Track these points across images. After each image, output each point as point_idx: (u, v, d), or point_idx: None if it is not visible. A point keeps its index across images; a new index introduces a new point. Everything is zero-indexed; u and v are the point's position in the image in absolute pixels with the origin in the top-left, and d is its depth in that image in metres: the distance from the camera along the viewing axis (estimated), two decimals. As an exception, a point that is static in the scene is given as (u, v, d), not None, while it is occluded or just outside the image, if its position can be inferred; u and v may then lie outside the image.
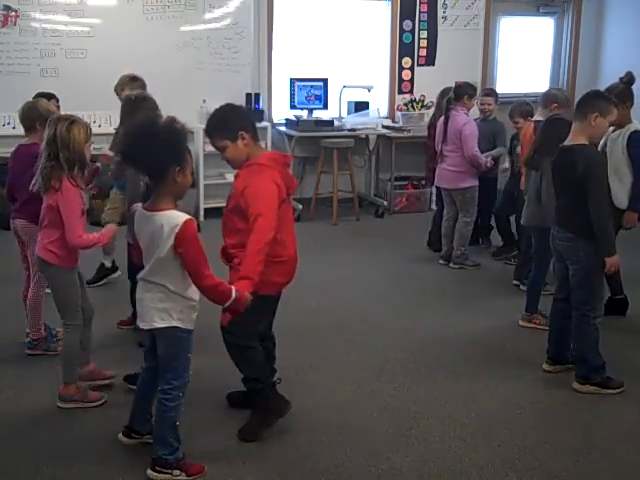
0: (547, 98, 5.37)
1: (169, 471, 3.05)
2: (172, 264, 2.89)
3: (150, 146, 2.82)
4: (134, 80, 4.96)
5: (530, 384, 3.97)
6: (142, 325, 3.04)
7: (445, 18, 8.48)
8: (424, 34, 8.46)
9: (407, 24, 8.38)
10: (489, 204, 6.62)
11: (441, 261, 6.16)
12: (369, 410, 3.70)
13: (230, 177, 7.62)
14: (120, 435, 3.27)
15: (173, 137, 2.89)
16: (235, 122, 3.29)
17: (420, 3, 8.37)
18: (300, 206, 7.63)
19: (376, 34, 8.39)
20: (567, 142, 3.82)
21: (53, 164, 3.47)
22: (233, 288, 2.97)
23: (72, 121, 3.55)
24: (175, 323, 2.96)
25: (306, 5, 8.05)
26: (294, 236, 3.46)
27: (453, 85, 6.15)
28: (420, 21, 8.42)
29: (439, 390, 3.92)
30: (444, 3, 8.45)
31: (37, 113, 4.13)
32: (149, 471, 3.08)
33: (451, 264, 6.03)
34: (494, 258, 6.28)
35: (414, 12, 8.38)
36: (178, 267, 2.90)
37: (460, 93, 5.93)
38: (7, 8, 6.90)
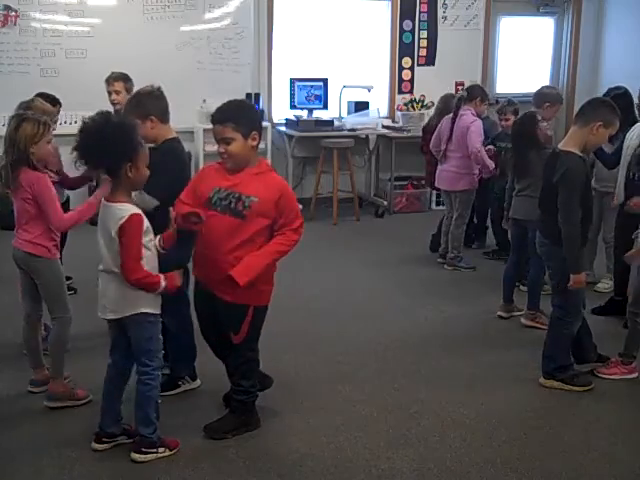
0: (539, 97, 5.40)
1: (154, 450, 3.15)
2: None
3: (99, 144, 2.90)
4: (129, 79, 5.06)
5: (530, 384, 3.96)
6: (110, 316, 3.09)
7: (445, 18, 8.47)
8: (424, 34, 8.46)
9: (407, 24, 8.38)
10: (485, 204, 6.62)
11: (440, 260, 6.18)
12: (369, 410, 3.70)
13: (230, 177, 7.63)
14: (93, 443, 3.25)
15: (122, 134, 2.95)
16: (254, 119, 3.25)
17: (420, 3, 8.37)
18: (300, 206, 7.58)
19: (376, 34, 8.39)
20: (559, 145, 3.79)
21: (10, 162, 3.47)
22: (161, 278, 3.05)
23: (23, 118, 3.52)
24: (144, 309, 3.05)
25: (306, 5, 8.05)
26: None
27: (453, 86, 6.14)
28: (420, 21, 8.42)
29: (439, 390, 3.92)
30: (444, 3, 8.45)
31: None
32: (135, 455, 3.14)
33: (445, 266, 6.03)
34: (485, 257, 6.31)
35: (414, 12, 8.38)
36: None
37: (474, 94, 5.91)
38: (7, 8, 6.90)
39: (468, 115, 5.85)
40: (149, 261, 3.06)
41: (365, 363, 4.24)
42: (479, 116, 6.32)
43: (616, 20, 8.83)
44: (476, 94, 5.92)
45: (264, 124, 7.57)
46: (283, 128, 7.91)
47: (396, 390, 3.92)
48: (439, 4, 8.44)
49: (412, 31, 8.42)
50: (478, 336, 4.65)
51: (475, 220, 6.67)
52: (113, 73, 5.17)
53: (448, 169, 5.95)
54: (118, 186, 3.02)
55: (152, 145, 3.71)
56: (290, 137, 7.74)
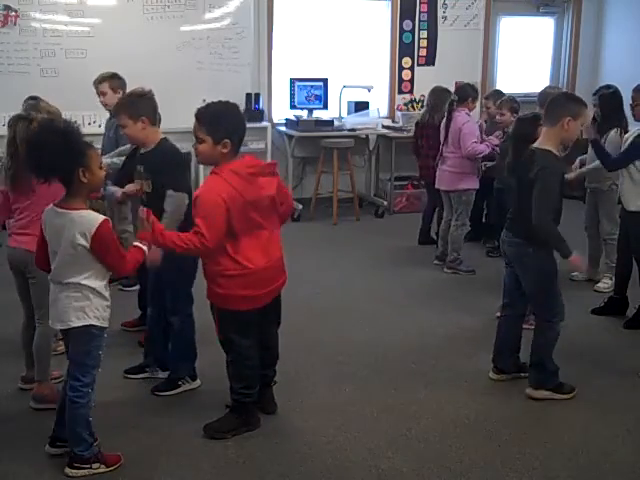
0: (544, 98, 5.38)
1: (88, 465, 3.07)
2: (87, 264, 2.93)
3: (46, 153, 2.83)
4: (114, 77, 5.10)
5: (503, 383, 3.95)
6: (58, 325, 3.04)
7: (445, 18, 8.48)
8: (424, 34, 8.46)
9: (407, 24, 8.38)
10: (488, 202, 6.63)
11: (436, 262, 6.14)
12: (369, 410, 3.70)
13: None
14: (47, 446, 3.21)
15: (67, 140, 2.87)
16: (230, 129, 3.21)
17: (420, 3, 8.37)
18: (300, 206, 7.63)
19: (376, 34, 8.39)
20: (535, 145, 3.76)
21: (16, 165, 3.40)
22: (140, 246, 3.06)
23: (31, 120, 3.47)
24: (91, 321, 2.98)
25: (306, 5, 8.05)
26: (264, 246, 3.28)
27: (452, 87, 6.13)
28: (420, 21, 8.42)
29: (439, 390, 3.92)
30: (444, 3, 8.45)
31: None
32: (67, 469, 3.07)
33: (445, 269, 5.99)
34: (488, 255, 6.32)
35: (414, 12, 8.38)
36: (93, 266, 2.94)
37: (464, 96, 5.89)
38: (7, 8, 6.90)
39: (462, 115, 5.85)
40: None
41: (365, 363, 4.24)
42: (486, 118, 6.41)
43: (616, 20, 8.83)
44: (467, 95, 5.91)
45: (264, 124, 7.67)
46: (283, 128, 7.91)
47: (396, 390, 3.92)
48: (439, 4, 8.44)
49: (412, 31, 8.42)
50: (478, 337, 4.65)
51: (485, 219, 6.72)
52: (99, 75, 5.20)
53: (446, 169, 5.94)
54: (74, 192, 2.93)
55: (142, 150, 3.75)
56: (290, 137, 7.74)
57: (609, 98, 5.14)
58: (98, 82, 5.18)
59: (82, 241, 2.88)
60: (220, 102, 3.28)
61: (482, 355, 4.36)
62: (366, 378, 4.05)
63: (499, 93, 6.61)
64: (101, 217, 2.92)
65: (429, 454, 3.31)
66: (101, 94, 5.16)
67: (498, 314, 4.81)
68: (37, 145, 2.89)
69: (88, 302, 2.97)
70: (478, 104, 6.39)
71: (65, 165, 2.87)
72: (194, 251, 3.16)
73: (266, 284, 3.31)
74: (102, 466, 3.09)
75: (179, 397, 3.76)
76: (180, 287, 3.75)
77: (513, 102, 5.94)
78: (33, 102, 4.29)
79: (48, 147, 2.84)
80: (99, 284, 2.98)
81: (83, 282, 2.94)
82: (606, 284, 5.43)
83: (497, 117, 6.04)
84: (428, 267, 6.10)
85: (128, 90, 4.80)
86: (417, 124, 6.70)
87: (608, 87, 5.31)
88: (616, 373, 4.15)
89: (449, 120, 5.89)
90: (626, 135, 4.86)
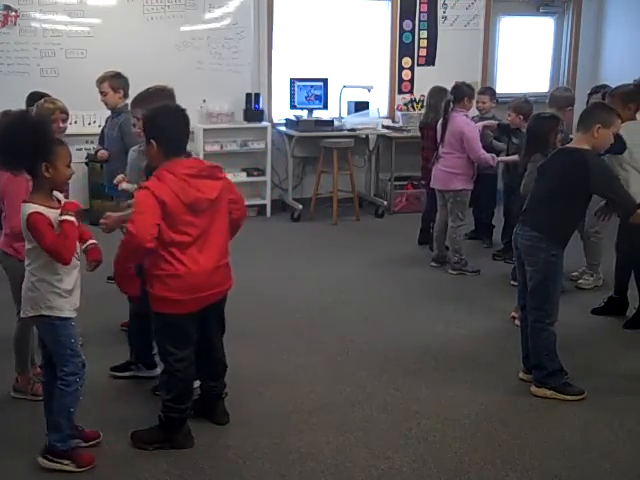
0: (559, 101, 5.41)
1: (59, 460, 3.09)
2: (32, 253, 3.00)
3: (12, 144, 2.89)
4: (116, 76, 5.08)
5: (530, 384, 3.95)
6: (21, 314, 3.13)
7: (445, 18, 8.47)
8: (424, 34, 8.45)
9: (407, 24, 8.37)
10: (489, 203, 6.64)
11: (433, 264, 6.12)
12: (369, 410, 3.70)
13: (231, 177, 7.58)
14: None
15: (34, 133, 2.93)
16: (155, 129, 3.19)
17: (420, 3, 8.36)
18: (300, 206, 7.63)
19: (376, 34, 8.38)
20: (570, 145, 3.82)
21: None
22: (66, 218, 2.99)
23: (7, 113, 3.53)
24: (44, 312, 3.02)
25: (306, 5, 8.05)
26: (198, 250, 3.18)
27: (452, 86, 6.11)
28: (420, 21, 8.41)
29: (439, 390, 3.92)
30: (444, 3, 8.44)
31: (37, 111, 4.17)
32: (39, 458, 3.11)
33: (450, 270, 5.96)
34: (494, 258, 6.29)
35: (414, 12, 8.37)
36: (38, 256, 2.98)
37: (460, 95, 5.88)
38: (7, 8, 6.89)
39: (460, 117, 5.84)
40: None
41: (365, 363, 4.24)
42: (479, 114, 6.46)
43: (616, 20, 8.83)
44: (463, 94, 5.89)
45: (264, 124, 7.67)
46: (283, 128, 7.90)
47: (396, 390, 3.92)
48: (439, 4, 8.43)
49: (412, 31, 8.41)
50: (479, 336, 4.65)
51: (480, 218, 6.74)
52: (101, 75, 5.19)
53: (442, 169, 5.94)
54: (37, 186, 3.00)
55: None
56: (290, 137, 7.74)
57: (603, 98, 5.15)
58: (99, 82, 5.17)
59: (23, 229, 2.98)
60: (158, 105, 3.30)
61: (482, 355, 4.37)
62: (366, 378, 4.05)
63: (492, 89, 6.78)
64: (34, 209, 2.93)
65: (429, 454, 3.31)
66: (102, 93, 5.16)
67: (513, 314, 4.78)
68: (6, 135, 2.94)
69: (38, 293, 3.01)
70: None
71: (30, 157, 2.93)
72: (128, 248, 3.10)
73: (194, 290, 3.18)
74: (72, 465, 3.11)
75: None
76: None
77: (522, 104, 5.90)
78: (40, 101, 4.34)
79: (16, 138, 2.90)
80: (49, 274, 3.00)
81: (35, 272, 3.01)
82: (587, 281, 5.52)
83: (478, 105, 6.17)
84: (428, 267, 6.09)
85: (130, 89, 4.83)
86: (420, 127, 6.71)
87: (604, 87, 5.33)
88: (616, 373, 4.15)
89: (446, 120, 5.88)
90: None
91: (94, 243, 3.23)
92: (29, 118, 3.13)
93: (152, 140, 3.16)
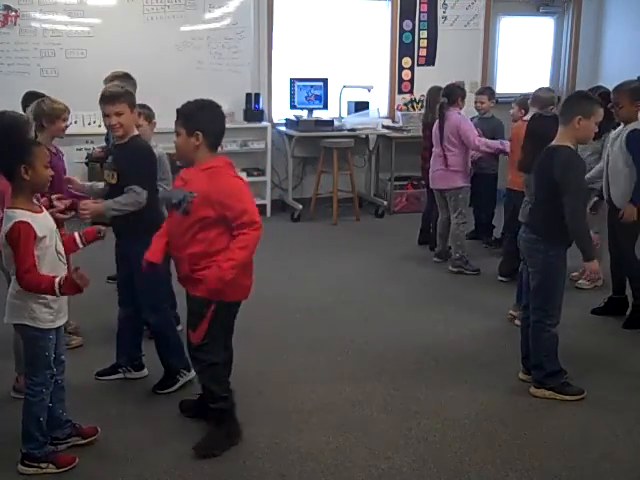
0: (543, 101, 5.40)
1: (37, 464, 3.09)
2: (13, 261, 2.92)
3: None
4: (127, 77, 5.05)
5: (530, 384, 3.95)
6: (5, 319, 3.06)
7: (445, 18, 8.47)
8: (424, 34, 8.45)
9: (407, 24, 8.37)
10: (489, 203, 6.65)
11: (435, 259, 6.21)
12: (369, 410, 3.70)
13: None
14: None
15: (9, 135, 2.90)
16: (202, 121, 3.19)
17: (420, 3, 8.36)
18: (300, 206, 7.63)
19: (376, 34, 8.38)
20: (553, 143, 3.78)
21: None
22: (55, 282, 2.88)
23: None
24: (25, 321, 2.98)
25: (306, 5, 8.05)
26: None
27: (444, 88, 6.16)
28: (420, 21, 8.41)
29: (439, 390, 3.92)
30: (444, 3, 8.44)
31: (40, 110, 4.14)
32: (19, 465, 3.11)
33: (450, 267, 6.01)
34: (485, 246, 6.46)
35: (414, 12, 8.37)
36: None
37: (454, 97, 5.97)
38: (7, 8, 6.89)
39: (455, 115, 5.94)
40: (49, 265, 2.96)
41: (365, 363, 4.24)
42: (478, 114, 6.58)
43: (616, 20, 8.82)
44: (456, 95, 5.99)
45: (264, 124, 7.67)
46: (283, 128, 7.91)
47: (396, 390, 3.92)
48: (439, 4, 8.43)
49: (412, 31, 8.41)
50: (478, 336, 4.65)
51: (480, 218, 6.76)
52: (110, 74, 5.17)
53: (440, 168, 6.00)
54: (17, 189, 2.93)
55: (117, 141, 3.77)
56: (290, 137, 7.74)
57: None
58: (109, 80, 5.13)
59: (4, 239, 2.91)
60: (202, 99, 3.28)
61: (482, 355, 4.37)
62: (366, 378, 4.05)
63: (491, 89, 6.82)
64: (20, 218, 2.86)
65: (429, 454, 3.31)
66: None
67: (511, 312, 4.78)
68: None
69: (21, 301, 2.97)
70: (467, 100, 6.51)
71: (6, 160, 2.89)
72: (257, 239, 3.21)
73: (251, 274, 3.33)
74: (51, 466, 3.11)
75: (179, 395, 3.75)
76: (157, 285, 3.74)
77: (524, 99, 5.95)
78: (38, 100, 4.30)
79: None
80: None
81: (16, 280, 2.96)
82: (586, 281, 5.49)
83: (477, 105, 6.27)
84: (428, 267, 6.10)
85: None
86: (424, 128, 6.74)
87: (598, 88, 5.33)
88: (616, 373, 4.15)
89: (442, 121, 5.96)
90: (611, 136, 4.79)
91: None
92: (4, 119, 3.09)
93: (198, 132, 3.15)
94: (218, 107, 3.28)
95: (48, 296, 2.95)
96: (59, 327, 3.11)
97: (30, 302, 2.96)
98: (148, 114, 4.34)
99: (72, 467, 3.14)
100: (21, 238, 2.85)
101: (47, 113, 4.04)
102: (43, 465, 3.10)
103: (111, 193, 3.70)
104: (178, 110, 3.24)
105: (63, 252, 3.08)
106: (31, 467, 3.10)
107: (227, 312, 3.27)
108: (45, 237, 2.94)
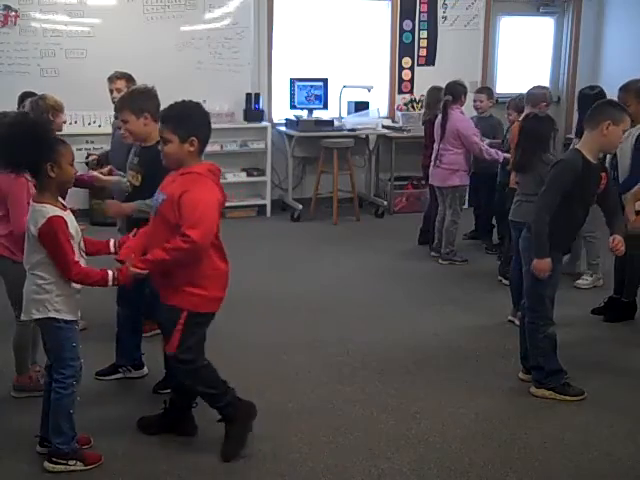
0: (535, 98, 5.44)
1: (64, 461, 3.10)
2: (41, 255, 2.97)
3: (14, 144, 2.89)
4: (131, 78, 5.11)
5: (529, 384, 3.95)
6: (24, 317, 3.10)
7: (445, 18, 8.47)
8: (424, 34, 8.45)
9: (407, 24, 8.37)
10: (489, 201, 6.64)
11: (433, 254, 6.33)
12: (369, 410, 3.70)
13: (231, 177, 7.64)
14: (37, 446, 3.24)
15: (36, 133, 2.93)
16: (195, 126, 3.12)
17: (420, 3, 8.36)
18: (300, 206, 7.63)
19: (376, 34, 8.38)
20: (576, 145, 3.79)
21: None
22: (108, 272, 2.99)
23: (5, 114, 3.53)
24: (51, 314, 3.01)
25: (306, 5, 8.05)
26: (223, 248, 3.24)
27: (446, 85, 6.20)
28: (420, 21, 8.41)
29: (439, 390, 3.92)
30: (444, 3, 8.44)
31: (46, 104, 4.22)
32: (46, 463, 3.12)
33: (440, 260, 6.17)
34: (486, 252, 6.44)
35: (414, 12, 8.37)
36: (48, 258, 2.96)
37: (457, 93, 6.06)
38: (7, 8, 6.89)
39: (456, 114, 6.03)
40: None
41: (365, 363, 4.24)
42: (476, 113, 6.63)
43: (616, 20, 8.82)
44: (459, 92, 6.08)
45: (264, 124, 7.66)
46: (283, 128, 7.91)
47: (396, 390, 3.92)
48: (439, 4, 8.43)
49: (412, 31, 8.41)
50: (479, 336, 4.65)
51: (480, 218, 6.79)
52: (116, 72, 5.18)
53: (440, 166, 6.12)
54: (43, 187, 3.01)
55: (143, 144, 3.74)
56: (290, 137, 7.74)
57: (593, 99, 5.10)
58: (116, 77, 5.13)
59: (34, 231, 2.95)
60: (187, 101, 3.19)
61: (483, 355, 4.37)
62: (366, 378, 4.05)
63: (489, 89, 6.88)
64: (54, 212, 2.94)
65: (429, 454, 3.31)
66: (116, 90, 5.10)
67: (510, 318, 4.80)
68: (7, 138, 2.94)
69: (47, 295, 3.00)
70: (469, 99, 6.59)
71: (33, 159, 2.94)
72: (184, 255, 3.02)
73: (227, 285, 3.26)
74: (79, 464, 3.12)
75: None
76: None
77: (518, 101, 5.97)
78: (35, 98, 4.36)
79: (17, 141, 2.90)
80: (58, 276, 2.99)
81: (41, 273, 2.99)
82: (586, 281, 5.53)
83: (507, 118, 6.13)
84: (428, 267, 6.11)
85: None
86: (424, 125, 6.79)
87: (592, 88, 5.35)
88: (616, 373, 4.15)
89: (445, 119, 6.01)
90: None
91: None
92: (29, 119, 3.14)
93: (193, 138, 3.08)
94: (204, 108, 3.21)
95: (67, 289, 3.01)
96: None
97: (53, 295, 3.00)
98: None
99: (99, 465, 3.15)
100: (59, 231, 2.92)
101: (52, 106, 4.18)
102: (71, 462, 3.10)
103: (133, 194, 3.71)
104: (165, 115, 3.17)
105: (85, 249, 3.15)
106: (58, 464, 3.10)
107: (196, 322, 3.17)
108: (72, 233, 3.01)
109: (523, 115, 5.28)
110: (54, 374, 3.08)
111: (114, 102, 5.11)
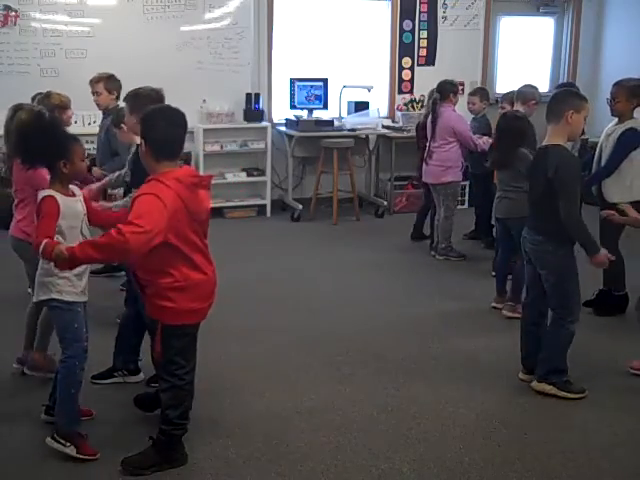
0: (525, 96, 5.52)
1: (63, 442, 3.18)
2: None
3: (33, 146, 3.07)
4: (111, 78, 5.22)
5: (530, 384, 3.95)
6: (34, 299, 3.30)
7: (445, 18, 8.47)
8: (424, 34, 8.46)
9: (407, 24, 8.38)
10: (486, 200, 6.65)
11: (432, 252, 6.39)
12: (369, 410, 3.69)
13: (231, 177, 7.65)
14: (42, 414, 3.39)
15: (53, 136, 3.09)
16: (144, 127, 3.06)
17: (420, 3, 8.37)
18: (300, 206, 7.63)
19: (376, 34, 8.38)
20: (544, 142, 3.79)
21: (8, 152, 3.75)
22: (43, 242, 2.90)
23: (17, 108, 3.77)
24: (53, 295, 3.16)
25: (306, 5, 8.05)
26: (208, 257, 3.12)
27: (437, 84, 6.29)
28: (420, 21, 8.42)
29: (439, 390, 3.92)
30: (444, 3, 8.44)
31: (54, 101, 4.45)
32: (48, 438, 3.21)
33: (437, 256, 6.27)
34: (463, 237, 6.66)
35: (414, 12, 8.37)
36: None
37: (445, 92, 6.13)
38: (7, 8, 6.90)
39: (449, 111, 6.13)
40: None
41: (365, 363, 4.24)
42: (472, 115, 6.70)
43: (616, 20, 8.83)
44: (447, 91, 6.15)
45: (264, 124, 7.67)
46: (283, 128, 7.90)
47: (396, 390, 3.92)
48: (439, 4, 8.43)
49: (412, 31, 8.41)
50: (479, 336, 4.65)
51: (479, 218, 6.82)
52: (96, 75, 5.29)
53: (433, 164, 6.21)
54: (55, 178, 3.16)
55: (138, 143, 3.75)
56: (290, 137, 7.74)
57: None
58: (95, 81, 5.25)
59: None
60: (155, 106, 3.19)
61: (483, 356, 4.37)
62: (366, 378, 4.05)
63: (484, 90, 6.90)
64: (49, 192, 3.09)
65: (429, 454, 3.31)
66: (96, 93, 5.24)
67: (494, 304, 5.05)
68: (26, 138, 3.12)
69: (49, 277, 3.14)
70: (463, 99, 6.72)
71: (47, 158, 3.11)
72: (116, 251, 2.85)
73: (209, 295, 3.15)
74: (73, 449, 3.17)
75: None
76: None
77: (511, 94, 6.10)
78: (41, 96, 4.52)
79: (34, 141, 3.09)
80: None
81: None
82: None
83: (499, 110, 6.21)
84: (428, 267, 6.11)
85: (123, 92, 4.86)
86: (417, 127, 6.89)
87: (570, 84, 5.40)
88: (615, 373, 4.15)
89: (435, 117, 6.12)
90: (606, 131, 4.87)
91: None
92: (44, 119, 3.30)
93: (142, 140, 3.06)
94: (169, 111, 3.08)
95: (69, 273, 3.09)
96: (84, 304, 3.24)
97: (55, 278, 3.12)
98: None
99: (90, 459, 3.17)
100: (43, 208, 3.04)
101: (58, 105, 4.38)
102: (67, 444, 3.17)
103: (127, 189, 3.88)
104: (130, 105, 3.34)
105: (89, 236, 3.20)
106: (56, 442, 3.19)
107: (173, 334, 3.06)
108: (70, 214, 3.11)
109: (501, 112, 5.44)
110: (60, 354, 3.22)
111: (97, 104, 5.27)
